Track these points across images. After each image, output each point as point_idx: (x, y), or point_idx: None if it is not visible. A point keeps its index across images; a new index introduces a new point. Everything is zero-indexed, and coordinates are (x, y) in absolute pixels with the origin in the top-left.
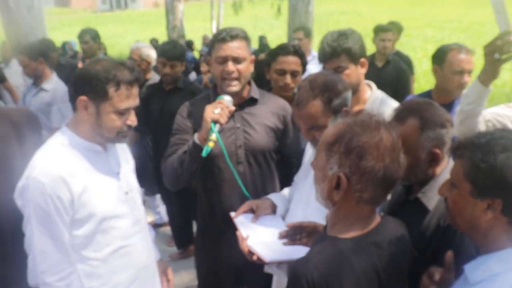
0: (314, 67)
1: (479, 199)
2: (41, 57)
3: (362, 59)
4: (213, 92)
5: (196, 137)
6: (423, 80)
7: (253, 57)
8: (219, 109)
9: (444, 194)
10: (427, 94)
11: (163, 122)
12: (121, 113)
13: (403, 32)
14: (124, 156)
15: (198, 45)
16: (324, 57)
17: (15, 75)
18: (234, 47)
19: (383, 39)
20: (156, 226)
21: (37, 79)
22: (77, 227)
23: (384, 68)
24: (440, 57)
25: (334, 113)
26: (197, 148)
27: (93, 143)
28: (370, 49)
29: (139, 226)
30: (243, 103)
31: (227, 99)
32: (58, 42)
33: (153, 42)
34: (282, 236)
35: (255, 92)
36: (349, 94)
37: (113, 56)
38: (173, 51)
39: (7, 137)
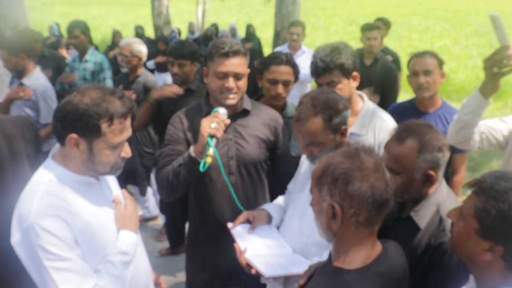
0: (304, 62)
1: (483, 239)
2: (22, 52)
3: (355, 73)
4: (205, 103)
5: (192, 151)
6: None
7: (248, 70)
8: (215, 124)
9: (452, 219)
10: (411, 102)
11: None
12: (115, 147)
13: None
14: (111, 178)
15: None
16: (317, 72)
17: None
18: (236, 64)
19: (369, 38)
20: (144, 220)
21: (20, 73)
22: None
23: (373, 66)
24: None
25: (334, 131)
26: (193, 161)
27: (86, 176)
28: (357, 35)
29: (140, 246)
30: (236, 114)
31: (222, 111)
32: (38, 23)
33: (138, 29)
34: None
35: (247, 103)
36: (348, 112)
37: (96, 43)
38: (181, 49)
39: None
